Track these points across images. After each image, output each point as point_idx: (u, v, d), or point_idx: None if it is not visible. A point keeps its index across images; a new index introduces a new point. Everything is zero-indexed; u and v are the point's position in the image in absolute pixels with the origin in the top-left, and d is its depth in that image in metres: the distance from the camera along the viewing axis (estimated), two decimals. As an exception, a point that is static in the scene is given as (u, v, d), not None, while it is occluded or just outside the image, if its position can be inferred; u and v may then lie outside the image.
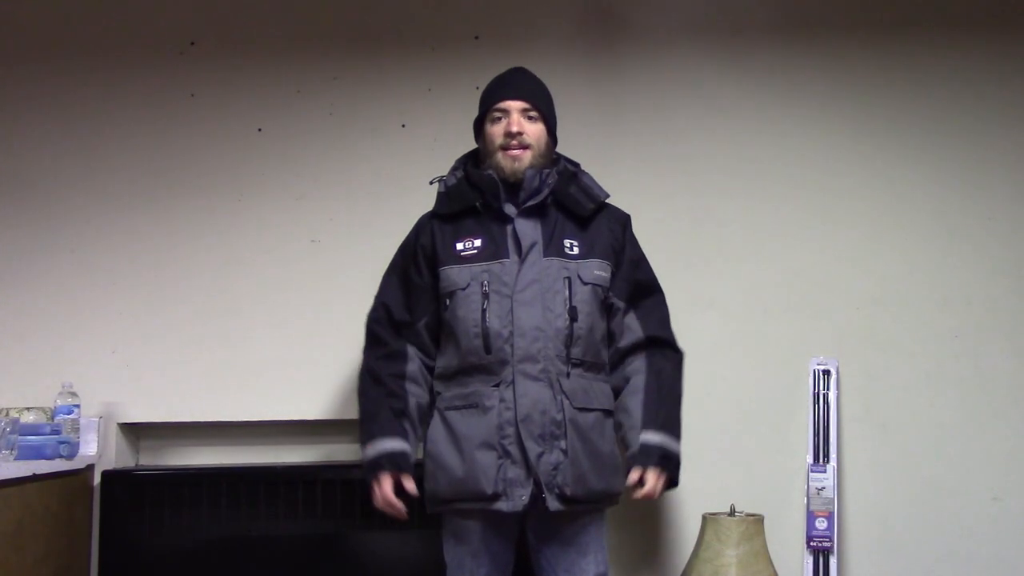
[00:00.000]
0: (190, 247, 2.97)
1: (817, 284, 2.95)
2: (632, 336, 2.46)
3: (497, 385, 2.32)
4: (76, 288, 2.95)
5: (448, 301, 2.40)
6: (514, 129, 2.39)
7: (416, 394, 2.42)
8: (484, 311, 2.34)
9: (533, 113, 2.43)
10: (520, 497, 2.28)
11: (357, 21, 3.04)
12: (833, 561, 2.80)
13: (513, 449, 2.29)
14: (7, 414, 2.78)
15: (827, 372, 2.91)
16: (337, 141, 3.01)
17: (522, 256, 2.37)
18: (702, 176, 3.00)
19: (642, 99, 3.02)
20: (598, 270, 2.41)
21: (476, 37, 3.04)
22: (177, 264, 2.96)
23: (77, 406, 2.75)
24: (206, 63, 3.02)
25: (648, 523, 2.87)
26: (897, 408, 2.91)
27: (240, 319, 2.94)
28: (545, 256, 2.37)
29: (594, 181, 2.51)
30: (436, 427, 2.39)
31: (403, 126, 3.01)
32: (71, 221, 2.97)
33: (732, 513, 2.67)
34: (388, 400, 2.38)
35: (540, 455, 2.29)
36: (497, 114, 2.43)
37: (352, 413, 2.89)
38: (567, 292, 2.36)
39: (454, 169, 2.51)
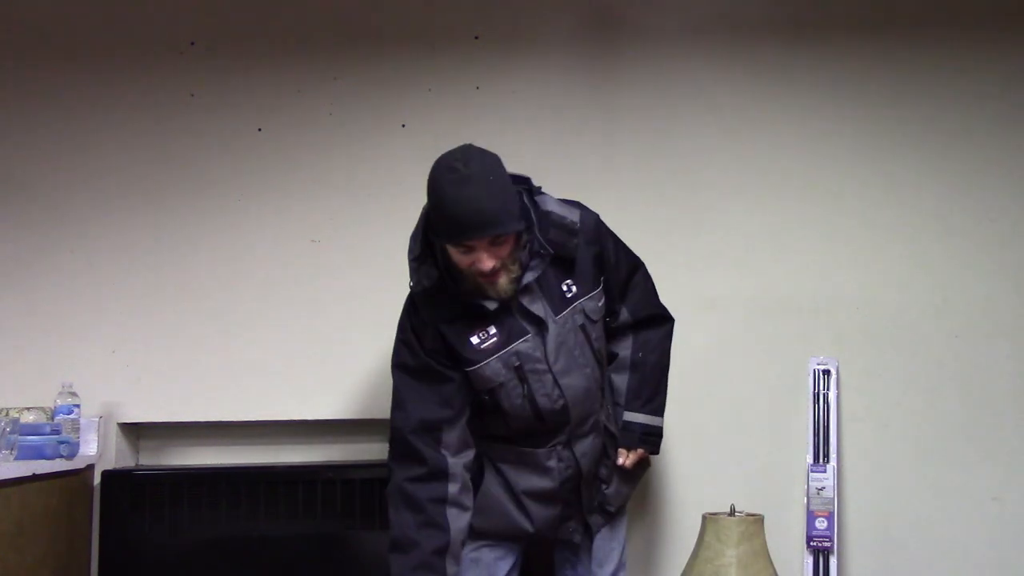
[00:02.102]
0: (190, 247, 2.97)
1: (817, 284, 2.95)
2: (622, 319, 2.48)
3: (554, 446, 2.33)
4: (76, 288, 2.95)
5: (488, 396, 2.29)
6: (486, 268, 2.16)
7: (458, 520, 2.25)
8: (528, 395, 2.28)
9: (500, 238, 2.16)
10: (571, 531, 2.39)
11: (357, 21, 3.04)
12: (833, 561, 2.80)
13: (571, 497, 2.37)
14: (7, 414, 2.78)
15: (827, 372, 2.91)
16: (337, 141, 3.00)
17: (539, 326, 2.29)
18: (702, 176, 3.00)
19: (642, 99, 3.02)
20: (598, 301, 2.38)
21: (476, 37, 3.03)
22: (177, 264, 2.96)
23: (77, 406, 2.75)
24: (206, 63, 3.02)
25: (648, 523, 2.88)
26: (897, 408, 2.91)
27: (240, 319, 2.94)
28: (557, 315, 2.30)
29: (556, 202, 2.33)
30: (489, 474, 2.36)
31: (403, 126, 3.01)
32: (71, 221, 2.97)
33: (732, 513, 2.67)
34: (426, 532, 2.21)
35: (589, 496, 2.40)
36: (461, 248, 2.17)
37: (352, 413, 2.91)
38: (587, 339, 2.34)
39: (420, 260, 2.25)
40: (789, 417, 2.90)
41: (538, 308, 2.28)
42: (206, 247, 2.97)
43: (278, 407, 2.91)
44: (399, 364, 2.32)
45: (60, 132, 3.00)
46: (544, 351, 2.27)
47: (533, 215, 2.27)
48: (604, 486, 2.41)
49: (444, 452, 2.26)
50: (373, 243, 2.95)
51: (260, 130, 3.01)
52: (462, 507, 2.27)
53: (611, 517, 2.45)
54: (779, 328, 2.94)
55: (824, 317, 2.94)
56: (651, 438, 2.46)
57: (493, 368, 2.26)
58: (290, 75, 3.02)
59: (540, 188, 2.34)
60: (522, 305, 2.27)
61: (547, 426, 2.31)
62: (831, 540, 2.80)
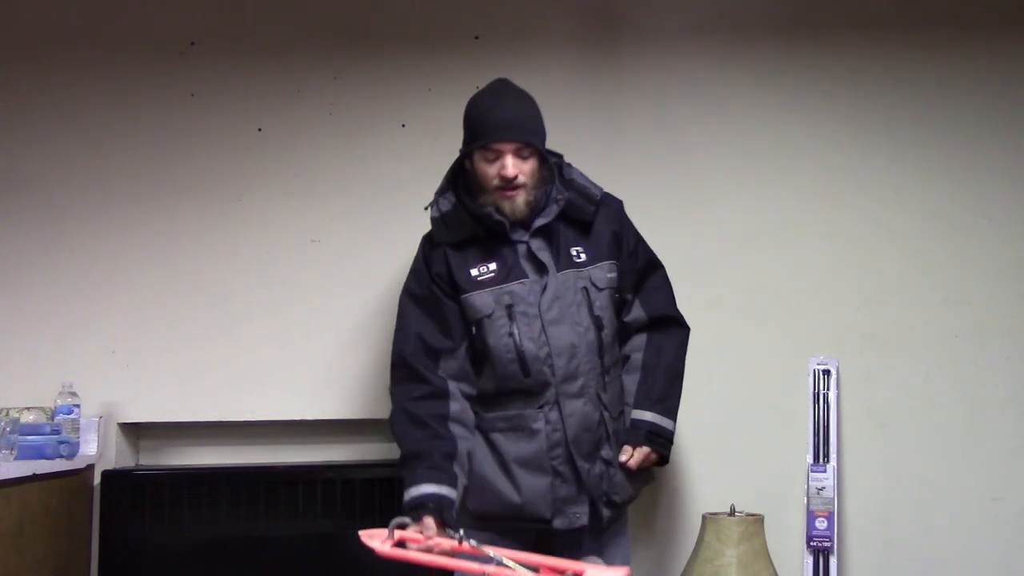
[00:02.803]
0: (190, 247, 2.97)
1: (817, 284, 2.96)
2: (636, 316, 2.47)
3: (541, 407, 2.32)
4: (76, 288, 2.95)
5: (475, 329, 2.35)
6: (509, 174, 2.29)
7: (463, 436, 2.30)
8: (514, 335, 2.31)
9: (526, 151, 2.31)
10: (576, 515, 2.33)
11: (357, 21, 3.04)
12: (833, 561, 2.80)
13: (564, 469, 2.32)
14: (7, 414, 2.78)
15: (827, 372, 2.91)
16: (337, 141, 3.00)
17: (540, 274, 2.34)
18: (702, 175, 3.00)
19: (642, 99, 3.02)
20: (608, 272, 2.40)
21: (476, 37, 3.04)
22: (177, 264, 2.96)
23: (77, 406, 2.75)
24: (206, 63, 3.02)
25: (648, 523, 2.88)
26: (897, 408, 2.91)
27: (240, 319, 2.94)
28: (559, 271, 2.34)
29: (584, 177, 2.45)
30: (479, 449, 2.35)
31: (403, 126, 3.01)
32: (71, 221, 2.97)
33: (732, 513, 2.67)
34: (435, 443, 2.25)
35: (588, 470, 2.33)
36: (490, 154, 2.30)
37: (352, 413, 2.91)
38: (588, 302, 2.35)
39: (442, 192, 2.42)
40: (789, 417, 2.90)
41: (544, 256, 2.34)
42: (206, 247, 2.97)
43: (278, 407, 2.91)
44: (406, 291, 2.42)
45: (60, 132, 3.00)
46: (539, 297, 2.32)
47: (557, 178, 2.40)
48: (611, 469, 2.36)
49: (443, 375, 2.33)
50: (373, 243, 2.95)
51: (260, 130, 3.01)
52: (465, 426, 2.32)
53: (619, 511, 2.41)
54: (779, 328, 2.94)
55: (824, 317, 2.94)
56: (658, 439, 2.40)
57: (483, 300, 2.32)
58: (290, 75, 3.02)
59: (570, 164, 2.46)
60: (530, 248, 2.35)
61: (532, 380, 2.31)
62: (831, 540, 2.80)
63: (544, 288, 2.32)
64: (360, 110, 3.02)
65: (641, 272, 2.48)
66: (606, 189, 2.50)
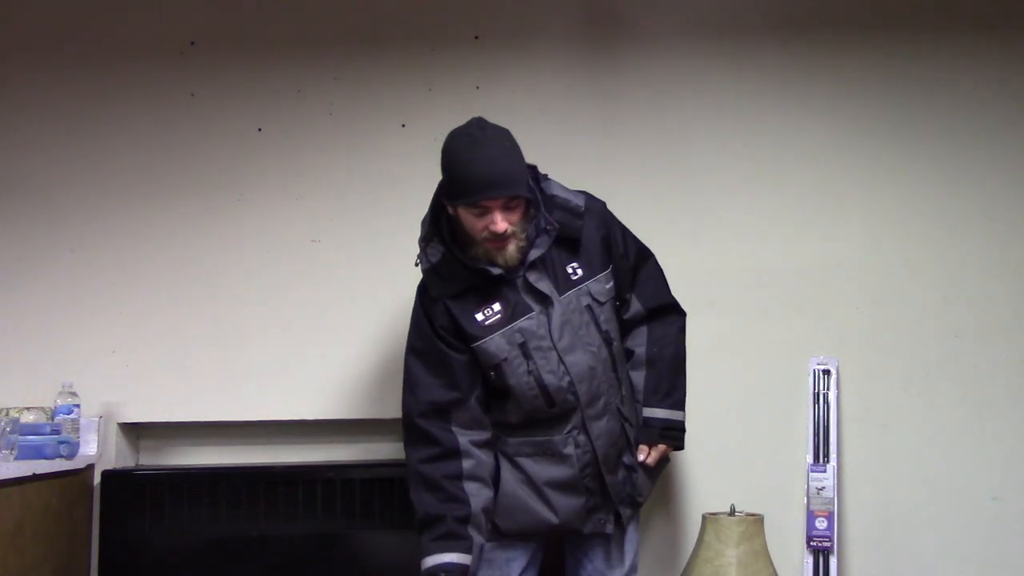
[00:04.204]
0: (190, 247, 2.97)
1: (817, 284, 2.95)
2: (635, 311, 2.49)
3: (569, 432, 2.33)
4: (76, 288, 2.95)
5: (494, 374, 2.32)
6: (499, 230, 2.23)
7: (477, 494, 2.30)
8: (534, 372, 2.30)
9: (513, 202, 2.25)
10: (601, 522, 2.37)
11: (357, 21, 3.04)
12: (833, 561, 2.80)
13: (594, 485, 2.35)
14: (7, 414, 2.78)
15: (827, 372, 2.91)
16: (337, 141, 3.00)
17: (544, 304, 2.33)
18: (702, 176, 2.99)
19: (642, 99, 3.02)
20: (606, 283, 2.41)
21: (476, 37, 3.03)
22: (177, 264, 2.96)
23: (77, 406, 2.75)
24: (206, 63, 3.02)
25: (648, 523, 2.87)
26: (897, 408, 2.91)
27: (240, 319, 2.94)
28: (561, 294, 2.34)
29: (562, 188, 2.40)
30: (506, 471, 2.36)
31: (403, 126, 3.01)
32: (71, 221, 2.97)
33: (732, 513, 2.67)
34: (449, 507, 2.26)
35: (613, 481, 2.38)
36: (476, 209, 2.24)
37: (352, 413, 2.91)
38: (594, 320, 2.36)
39: (427, 239, 2.35)
40: (789, 417, 2.90)
41: (544, 286, 2.32)
42: (206, 247, 2.97)
43: (278, 407, 2.90)
44: (410, 347, 2.37)
45: (60, 132, 3.00)
46: (548, 328, 2.31)
47: (539, 197, 2.34)
48: (634, 474, 2.40)
49: (455, 431, 2.31)
50: (373, 243, 2.95)
51: (260, 130, 3.01)
52: (481, 481, 2.31)
53: (638, 509, 2.46)
54: (779, 328, 2.93)
55: (824, 317, 2.94)
56: (672, 432, 2.46)
57: (497, 344, 2.30)
58: (290, 75, 3.02)
59: (546, 175, 2.41)
60: (528, 282, 2.32)
61: (558, 409, 2.32)
62: (831, 540, 2.80)
63: (550, 317, 2.32)
64: (360, 110, 3.02)
65: (634, 267, 2.49)
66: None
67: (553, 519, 2.34)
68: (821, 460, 2.86)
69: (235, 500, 2.76)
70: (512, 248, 2.28)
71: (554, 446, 2.33)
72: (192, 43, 3.03)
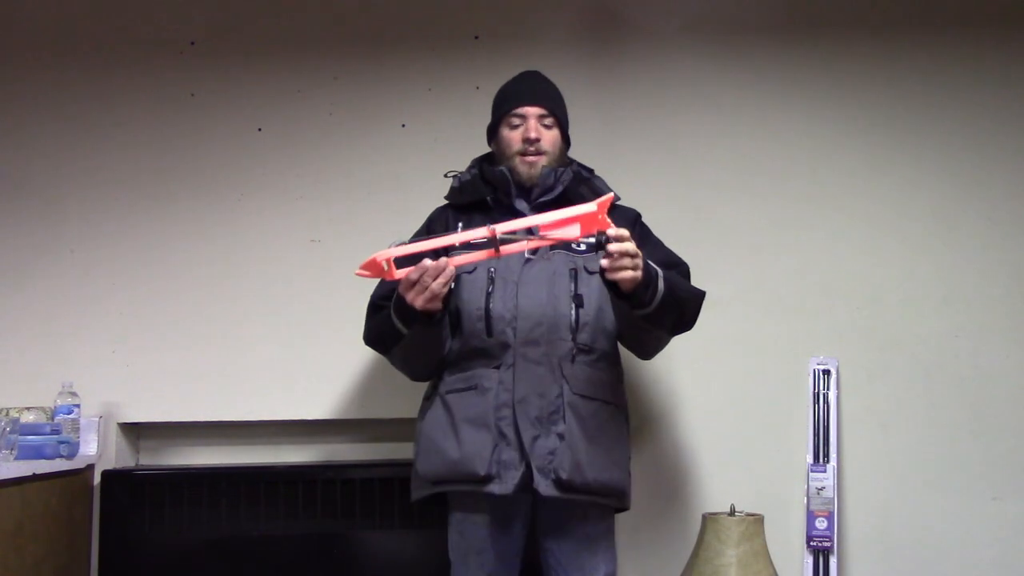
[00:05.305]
0: (190, 247, 2.97)
1: (817, 284, 2.95)
2: None
3: (498, 367, 2.30)
4: (76, 288, 2.95)
5: (454, 285, 2.33)
6: (532, 135, 2.41)
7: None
8: (488, 295, 2.33)
9: (549, 120, 2.45)
10: (512, 480, 2.24)
11: (357, 21, 3.04)
12: (833, 561, 2.80)
13: (509, 431, 2.25)
14: (7, 414, 2.78)
15: (827, 372, 2.91)
16: (337, 141, 3.01)
17: (530, 251, 2.34)
18: (702, 175, 3.00)
19: (642, 99, 3.02)
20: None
21: (476, 37, 3.04)
22: (177, 264, 2.96)
23: (77, 406, 2.75)
24: (206, 63, 3.02)
25: (648, 523, 2.87)
26: (897, 408, 2.91)
27: (240, 319, 2.94)
28: (552, 250, 2.35)
29: (606, 184, 2.49)
30: (435, 410, 2.36)
31: (403, 126, 3.01)
32: (71, 221, 2.98)
33: (732, 513, 2.67)
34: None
35: (535, 438, 2.25)
36: (515, 120, 2.44)
37: (352, 413, 2.91)
38: (573, 281, 2.35)
39: (470, 167, 2.54)
40: (789, 417, 2.90)
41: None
42: (206, 247, 2.97)
43: (278, 407, 2.90)
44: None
45: (60, 132, 3.00)
46: (521, 267, 2.34)
47: (579, 169, 2.49)
48: (571, 451, 2.25)
49: None
50: (373, 243, 2.92)
51: (260, 130, 3.01)
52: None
53: (572, 499, 2.28)
54: (779, 328, 2.93)
55: (824, 317, 2.94)
56: (650, 272, 2.21)
57: (468, 259, 2.23)
58: (290, 75, 3.02)
59: (600, 177, 2.53)
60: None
61: (494, 341, 2.30)
62: (831, 540, 2.80)
63: (528, 260, 2.34)
64: (360, 110, 3.02)
65: (662, 263, 2.35)
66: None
67: (455, 453, 2.26)
68: (821, 460, 2.86)
69: (235, 500, 2.76)
70: (540, 165, 2.41)
71: (479, 379, 2.31)
72: (192, 43, 3.03)
